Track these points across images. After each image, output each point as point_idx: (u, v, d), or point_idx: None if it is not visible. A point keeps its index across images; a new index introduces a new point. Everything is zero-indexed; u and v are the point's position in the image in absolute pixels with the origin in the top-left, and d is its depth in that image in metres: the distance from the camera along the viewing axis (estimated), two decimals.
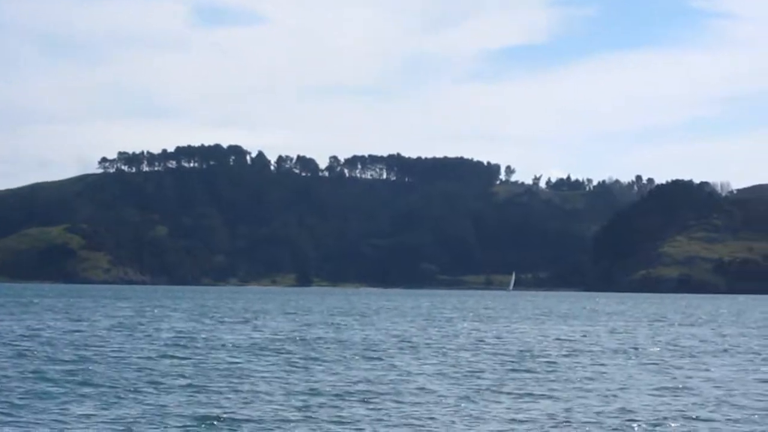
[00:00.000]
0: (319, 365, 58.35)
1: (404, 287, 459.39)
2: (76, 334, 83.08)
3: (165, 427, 35.88)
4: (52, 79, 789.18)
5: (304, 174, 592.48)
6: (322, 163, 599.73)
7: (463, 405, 42.15)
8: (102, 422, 36.73)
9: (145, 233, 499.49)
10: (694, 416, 40.11)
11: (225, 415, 38.15)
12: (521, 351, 72.08)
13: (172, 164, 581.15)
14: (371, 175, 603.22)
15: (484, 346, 76.44)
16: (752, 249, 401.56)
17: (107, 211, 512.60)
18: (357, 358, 63.81)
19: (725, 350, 77.10)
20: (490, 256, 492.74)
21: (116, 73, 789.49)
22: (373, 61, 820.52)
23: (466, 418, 38.91)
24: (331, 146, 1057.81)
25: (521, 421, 38.28)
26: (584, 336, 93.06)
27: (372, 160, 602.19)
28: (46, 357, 60.37)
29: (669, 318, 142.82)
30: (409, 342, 79.96)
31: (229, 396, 43.79)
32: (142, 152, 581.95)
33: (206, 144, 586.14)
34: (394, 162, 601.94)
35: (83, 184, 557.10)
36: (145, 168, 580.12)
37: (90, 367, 54.39)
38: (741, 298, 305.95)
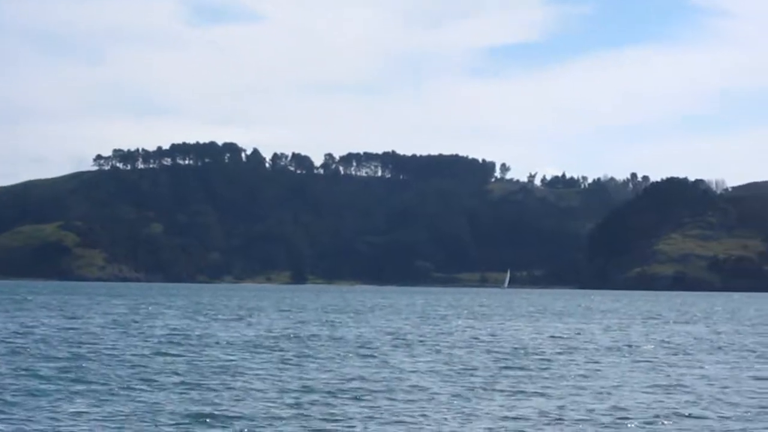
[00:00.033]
0: (313, 362, 58.28)
1: (399, 285, 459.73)
2: (70, 331, 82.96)
3: (158, 425, 35.79)
4: (47, 76, 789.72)
5: (299, 171, 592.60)
6: (317, 160, 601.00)
7: (456, 402, 42.09)
8: (95, 419, 36.65)
9: (140, 231, 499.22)
10: (687, 414, 40.07)
11: (217, 413, 38.08)
12: (515, 348, 72.04)
13: (168, 162, 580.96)
14: (366, 173, 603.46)
15: (479, 344, 76.40)
16: (747, 247, 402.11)
17: (102, 208, 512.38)
18: (351, 355, 63.76)
19: (719, 348, 77.09)
20: (485, 253, 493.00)
21: (112, 70, 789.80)
22: (368, 58, 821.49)
23: (458, 415, 38.85)
24: (327, 144, 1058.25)
25: (514, 419, 38.22)
26: (578, 334, 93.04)
27: (367, 158, 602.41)
28: (40, 354, 60.26)
29: (663, 315, 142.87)
30: (403, 339, 79.92)
31: (222, 393, 43.71)
32: (138, 149, 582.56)
33: (201, 141, 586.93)
34: (389, 159, 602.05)
35: (78, 181, 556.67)
36: (140, 165, 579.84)
37: (83, 365, 54.30)
38: (736, 295, 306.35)
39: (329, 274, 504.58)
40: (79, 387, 45.01)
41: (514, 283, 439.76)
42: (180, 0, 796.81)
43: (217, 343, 72.54)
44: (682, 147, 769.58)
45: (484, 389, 46.80)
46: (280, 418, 37.28)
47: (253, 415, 37.87)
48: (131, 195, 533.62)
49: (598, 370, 56.69)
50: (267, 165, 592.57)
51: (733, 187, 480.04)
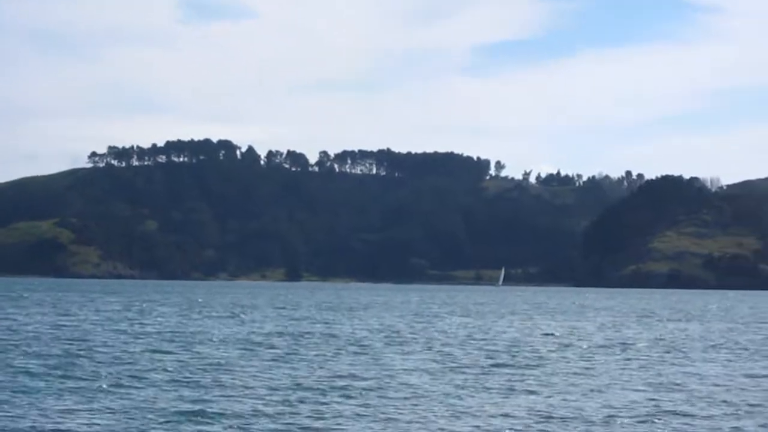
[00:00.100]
0: (306, 360, 58.20)
1: (394, 282, 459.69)
2: (63, 328, 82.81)
3: (148, 422, 35.68)
4: (41, 74, 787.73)
5: (294, 169, 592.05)
6: (312, 157, 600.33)
7: (447, 400, 42.02)
8: (85, 417, 36.53)
9: (134, 228, 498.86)
10: (679, 412, 40.00)
11: (207, 409, 37.97)
12: (508, 346, 72.00)
13: (162, 159, 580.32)
14: (361, 170, 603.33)
15: (472, 341, 76.36)
16: (742, 244, 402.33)
17: (97, 205, 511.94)
18: (344, 352, 63.70)
19: (713, 346, 77.06)
20: (479, 251, 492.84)
21: (106, 67, 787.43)
22: (363, 55, 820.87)
23: (450, 413, 38.77)
24: (321, 141, 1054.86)
25: (505, 416, 38.15)
26: (572, 331, 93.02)
27: (362, 155, 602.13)
28: (31, 351, 60.12)
29: (657, 313, 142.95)
30: (396, 337, 79.86)
31: (213, 390, 43.60)
32: (132, 147, 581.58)
33: (196, 139, 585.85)
34: (384, 157, 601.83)
35: (73, 178, 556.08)
36: (135, 162, 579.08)
37: (74, 362, 54.16)
38: (731, 293, 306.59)
39: (324, 272, 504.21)
40: (70, 384, 44.88)
41: (509, 280, 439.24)
42: None
43: (210, 340, 72.43)
44: (677, 145, 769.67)
45: (477, 387, 46.72)
46: (270, 416, 37.18)
47: (242, 412, 37.78)
48: (126, 192, 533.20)
49: (591, 368, 56.64)
50: (262, 162, 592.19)
51: (728, 185, 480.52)
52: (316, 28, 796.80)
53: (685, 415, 39.32)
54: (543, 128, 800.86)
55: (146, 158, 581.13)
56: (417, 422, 36.64)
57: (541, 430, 35.91)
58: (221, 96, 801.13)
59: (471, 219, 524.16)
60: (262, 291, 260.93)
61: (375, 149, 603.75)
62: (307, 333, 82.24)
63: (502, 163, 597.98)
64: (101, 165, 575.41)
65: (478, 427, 36.08)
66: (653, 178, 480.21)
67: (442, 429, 35.75)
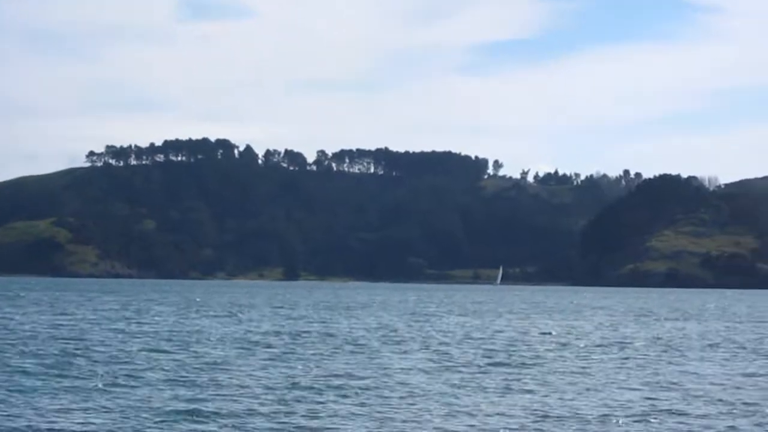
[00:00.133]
0: (303, 359, 58.16)
1: (392, 281, 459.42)
2: (60, 327, 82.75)
3: (143, 420, 35.64)
4: (38, 72, 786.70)
5: (291, 168, 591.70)
6: (310, 157, 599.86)
7: (444, 399, 41.99)
8: (81, 416, 36.48)
9: (132, 227, 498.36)
10: (675, 411, 39.98)
11: (203, 408, 37.94)
12: (506, 345, 71.97)
13: (160, 158, 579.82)
14: (359, 169, 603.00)
15: (469, 340, 76.34)
16: (739, 243, 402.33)
17: (95, 204, 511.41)
18: (341, 352, 63.66)
19: (710, 345, 77.05)
20: (477, 250, 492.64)
21: (103, 66, 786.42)
22: (361, 54, 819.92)
23: (446, 412, 38.74)
24: (319, 140, 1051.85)
25: (502, 415, 38.12)
26: (569, 330, 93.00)
27: (360, 154, 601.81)
28: (28, 350, 60.07)
29: (655, 312, 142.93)
30: (393, 336, 79.82)
31: (209, 389, 43.56)
32: (130, 146, 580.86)
33: (194, 138, 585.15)
34: (382, 156, 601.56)
35: (71, 177, 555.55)
36: (133, 162, 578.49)
37: (71, 361, 54.12)
38: (728, 292, 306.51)
39: (322, 271, 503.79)
40: (66, 383, 44.84)
41: (507, 279, 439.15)
42: None
43: (208, 339, 72.39)
44: (675, 144, 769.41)
45: (474, 386, 46.69)
46: (265, 415, 37.13)
47: (238, 411, 37.74)
48: (124, 191, 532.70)
49: (588, 367, 56.61)
50: (260, 161, 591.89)
51: (726, 184, 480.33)
52: (315, 27, 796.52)
53: (681, 413, 39.30)
54: (542, 128, 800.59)
55: (144, 157, 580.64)
56: (413, 421, 36.62)
57: (537, 429, 35.88)
58: (219, 95, 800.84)
59: (469, 218, 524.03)
60: (260, 290, 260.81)
61: (373, 148, 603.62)
62: (305, 332, 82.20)
63: (500, 162, 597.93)
64: (99, 164, 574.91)
65: (474, 426, 36.04)
66: (651, 177, 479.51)
67: (439, 428, 35.72)
